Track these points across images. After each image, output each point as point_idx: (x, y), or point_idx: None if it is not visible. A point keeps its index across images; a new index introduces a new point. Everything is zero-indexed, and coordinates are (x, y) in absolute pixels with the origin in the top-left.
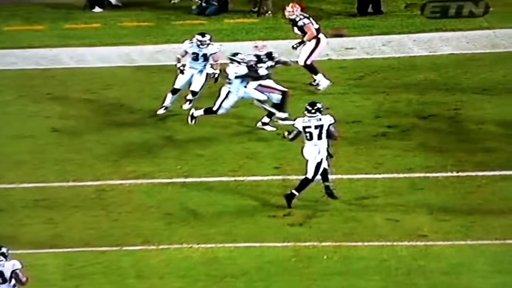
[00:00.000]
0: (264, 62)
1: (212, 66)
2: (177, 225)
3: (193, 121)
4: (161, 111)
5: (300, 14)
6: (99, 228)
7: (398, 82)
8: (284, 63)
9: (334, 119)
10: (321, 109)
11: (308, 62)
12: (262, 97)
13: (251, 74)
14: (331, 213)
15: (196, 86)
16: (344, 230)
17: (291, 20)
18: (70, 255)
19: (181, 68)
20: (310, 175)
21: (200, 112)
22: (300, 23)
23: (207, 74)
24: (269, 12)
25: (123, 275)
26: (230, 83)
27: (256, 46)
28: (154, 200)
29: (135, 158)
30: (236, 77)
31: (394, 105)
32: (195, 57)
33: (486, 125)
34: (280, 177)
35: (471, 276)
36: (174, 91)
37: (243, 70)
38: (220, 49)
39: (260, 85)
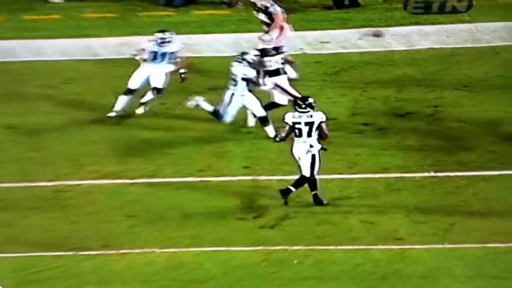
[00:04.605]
0: (273, 56)
1: (176, 64)
2: (141, 228)
3: (194, 103)
4: (111, 115)
5: (274, 3)
6: (57, 231)
7: (375, 78)
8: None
9: (326, 116)
10: (313, 105)
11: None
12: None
13: (261, 69)
14: (305, 215)
15: (157, 83)
16: (317, 233)
17: (261, 6)
18: (26, 259)
19: (141, 60)
20: (306, 173)
21: (209, 107)
22: (271, 9)
23: (169, 72)
24: (240, 3)
25: (83, 280)
26: (235, 85)
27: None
28: (117, 201)
29: (97, 157)
30: (243, 79)
31: (371, 102)
32: (154, 56)
33: (466, 123)
34: (249, 177)
35: (449, 280)
36: (128, 92)
37: (252, 72)
38: (183, 46)
39: (276, 84)
